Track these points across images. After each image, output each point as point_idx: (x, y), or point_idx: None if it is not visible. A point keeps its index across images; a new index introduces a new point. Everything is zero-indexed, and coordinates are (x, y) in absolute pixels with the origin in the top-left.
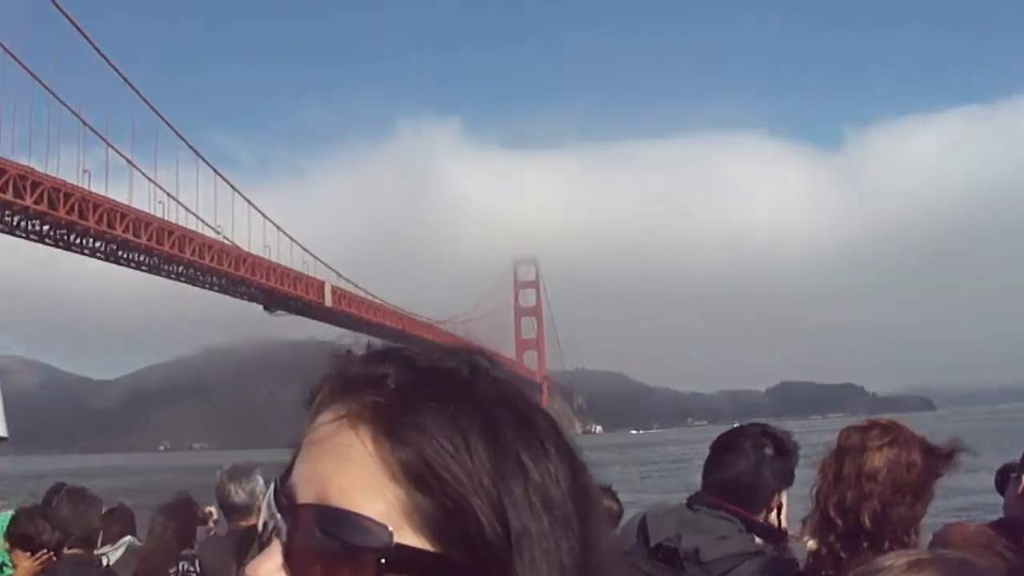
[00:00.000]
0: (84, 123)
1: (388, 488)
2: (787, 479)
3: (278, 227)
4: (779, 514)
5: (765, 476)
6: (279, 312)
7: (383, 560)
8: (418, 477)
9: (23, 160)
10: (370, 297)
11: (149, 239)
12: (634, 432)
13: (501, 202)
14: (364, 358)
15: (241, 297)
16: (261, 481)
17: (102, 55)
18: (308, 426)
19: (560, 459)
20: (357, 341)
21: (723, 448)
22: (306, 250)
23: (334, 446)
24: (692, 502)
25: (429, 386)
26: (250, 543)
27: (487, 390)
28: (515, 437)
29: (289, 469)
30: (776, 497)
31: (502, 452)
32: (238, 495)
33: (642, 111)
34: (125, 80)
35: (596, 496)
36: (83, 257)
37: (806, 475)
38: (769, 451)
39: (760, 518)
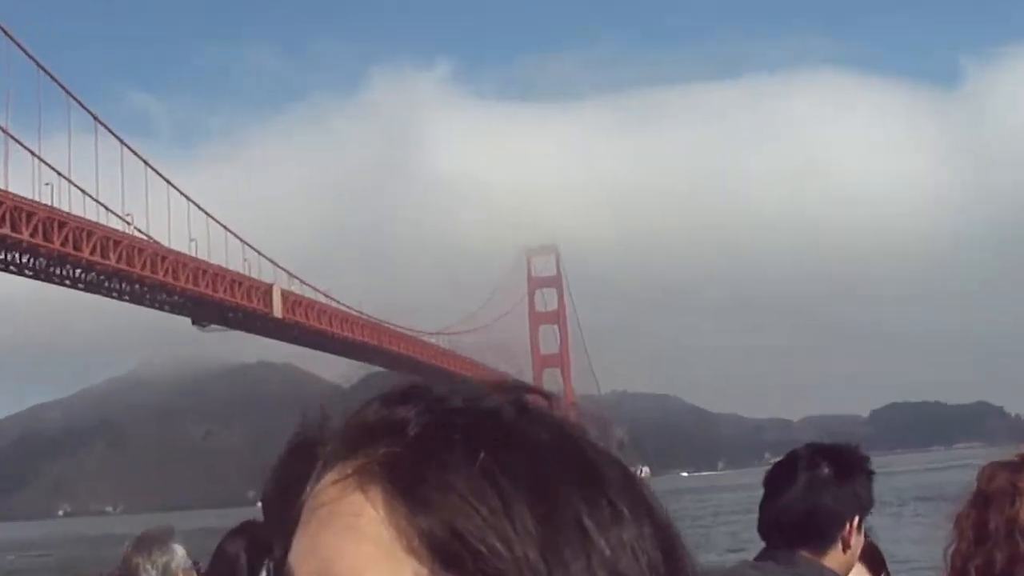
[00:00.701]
0: None
1: (406, 566)
2: (858, 503)
3: (208, 214)
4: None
5: (825, 502)
6: (213, 327)
7: None
8: (444, 551)
9: None
10: (333, 303)
11: (33, 233)
12: (690, 474)
13: (504, 171)
14: (379, 399)
15: (162, 308)
16: (180, 553)
17: None
18: (309, 489)
19: (638, 523)
20: (354, 378)
21: (773, 479)
22: (246, 244)
23: (340, 514)
24: (759, 558)
25: (460, 432)
26: None
27: (538, 435)
28: (574, 496)
29: (285, 548)
30: (848, 527)
31: (556, 516)
32: (148, 573)
33: (678, 52)
34: None
35: (689, 569)
36: None
37: (925, 530)
38: (826, 471)
39: (833, 556)
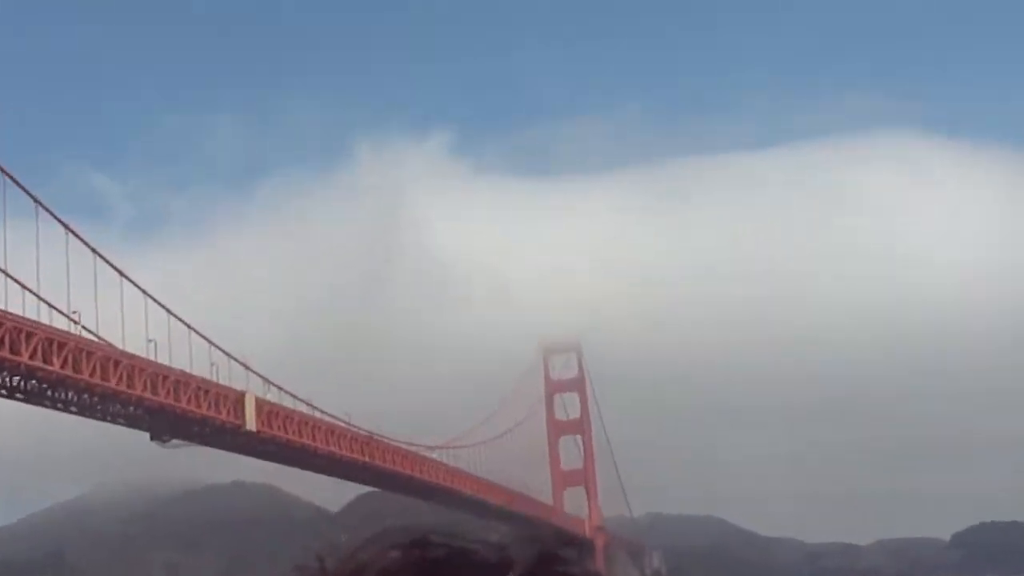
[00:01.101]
0: None
1: None
2: None
3: (169, 311)
4: None
5: None
6: (175, 442)
7: None
8: None
9: None
10: (317, 414)
11: None
12: None
13: (514, 257)
14: (378, 547)
15: (115, 421)
16: None
17: None
18: None
19: None
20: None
21: None
22: (214, 344)
23: None
24: None
25: None
26: None
27: None
28: None
29: None
30: None
31: None
32: None
33: (715, 116)
34: None
35: None
36: None
37: None
38: None
39: None
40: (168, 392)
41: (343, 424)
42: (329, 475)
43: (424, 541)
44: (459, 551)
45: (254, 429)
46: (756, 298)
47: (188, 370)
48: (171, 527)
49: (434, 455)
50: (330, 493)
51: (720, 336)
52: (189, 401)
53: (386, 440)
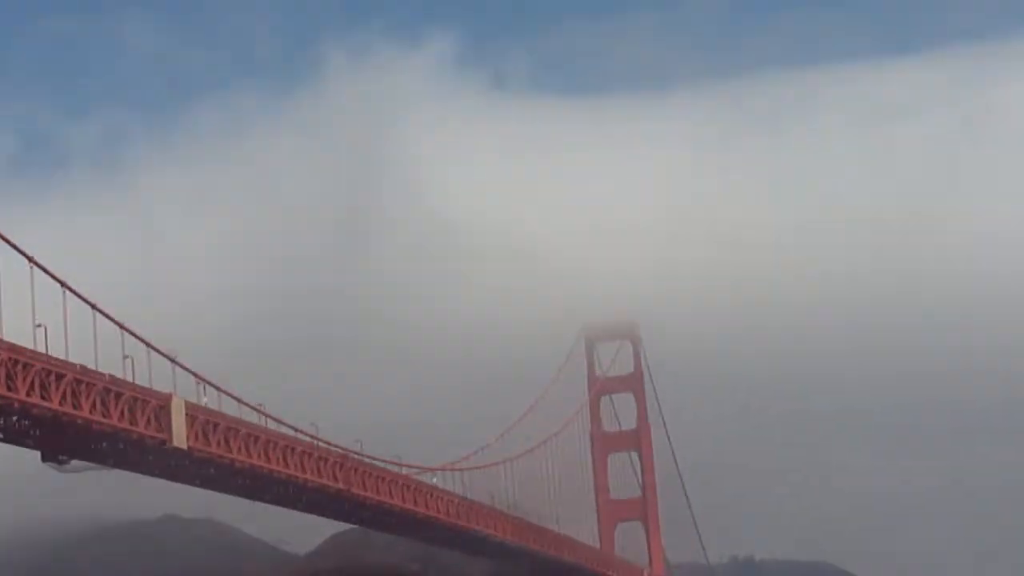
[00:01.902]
0: None
1: None
2: None
3: (64, 284)
4: None
5: None
6: (76, 464)
7: None
8: None
9: None
10: (271, 425)
11: None
12: None
13: (543, 210)
14: None
15: None
16: None
17: None
18: None
19: None
20: None
21: None
22: (128, 331)
23: None
24: None
25: None
26: None
27: None
28: None
29: None
30: None
31: None
32: None
33: (820, 15)
34: None
35: None
36: None
37: None
38: None
39: None
40: (63, 396)
41: (308, 439)
42: (290, 508)
43: None
44: None
45: (184, 446)
46: (889, 263)
47: (92, 366)
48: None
49: (435, 480)
50: (296, 531)
51: (835, 318)
52: (93, 408)
53: (368, 460)
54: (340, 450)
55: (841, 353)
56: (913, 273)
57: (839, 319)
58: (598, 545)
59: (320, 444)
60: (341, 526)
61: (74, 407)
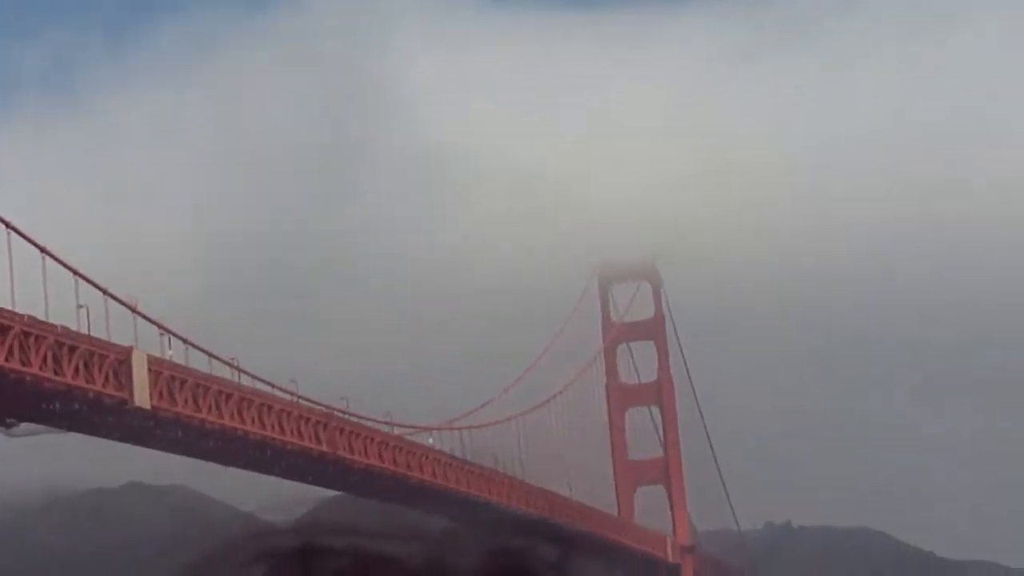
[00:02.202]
0: None
1: None
2: None
3: (11, 226)
4: None
5: None
6: (26, 427)
7: None
8: None
9: None
10: (245, 382)
11: None
12: None
13: (549, 136)
14: None
15: None
16: None
17: None
18: None
19: None
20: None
21: None
22: (83, 278)
23: None
24: None
25: None
26: None
27: None
28: None
29: None
30: None
31: None
32: None
33: None
34: None
35: None
36: None
37: None
38: None
39: None
40: (10, 351)
41: (287, 396)
42: (268, 474)
43: (305, 550)
44: (356, 560)
45: (147, 405)
46: (909, 196)
47: (42, 317)
48: (27, 554)
49: (430, 441)
50: (277, 499)
51: (878, 253)
52: (44, 364)
53: (355, 420)
54: (323, 408)
55: (894, 292)
56: (963, 193)
57: (886, 250)
58: (615, 511)
59: (300, 402)
60: (328, 493)
61: (22, 363)
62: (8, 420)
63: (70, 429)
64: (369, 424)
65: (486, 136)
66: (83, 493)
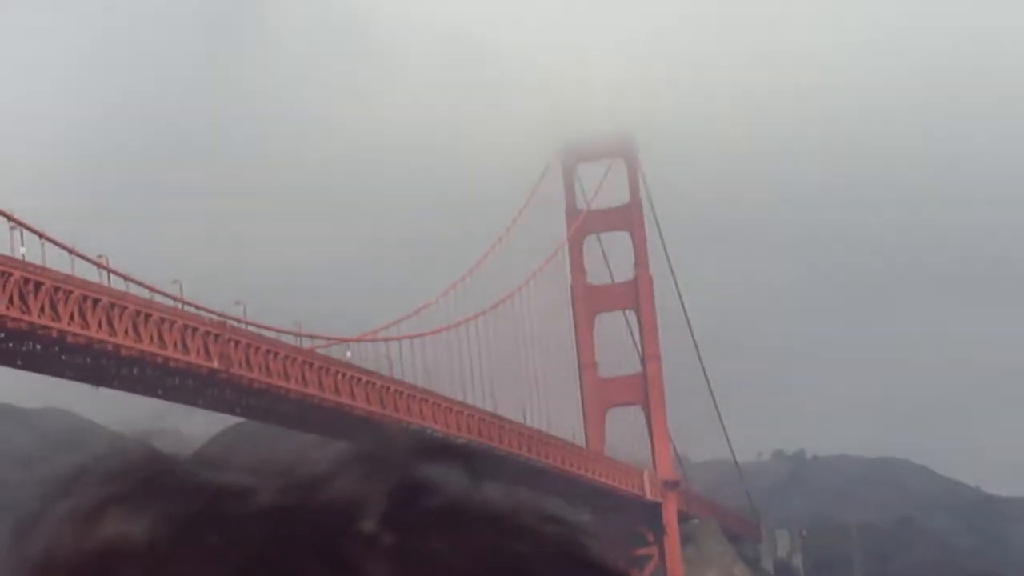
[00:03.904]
0: None
1: None
2: None
3: None
4: None
5: None
6: None
7: None
8: None
9: None
10: (123, 286)
11: None
12: None
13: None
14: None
15: None
16: None
17: None
18: None
19: None
20: None
21: None
22: None
23: None
24: None
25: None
26: None
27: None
28: None
29: None
30: None
31: None
32: None
33: None
34: None
35: None
36: None
37: None
38: None
39: None
40: None
41: (169, 303)
42: (149, 396)
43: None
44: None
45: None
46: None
47: None
48: None
49: (349, 355)
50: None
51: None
52: None
53: (255, 330)
54: (214, 316)
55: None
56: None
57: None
58: (582, 439)
59: (185, 308)
60: (228, 419)
61: None
62: None
63: None
64: (271, 336)
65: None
66: None
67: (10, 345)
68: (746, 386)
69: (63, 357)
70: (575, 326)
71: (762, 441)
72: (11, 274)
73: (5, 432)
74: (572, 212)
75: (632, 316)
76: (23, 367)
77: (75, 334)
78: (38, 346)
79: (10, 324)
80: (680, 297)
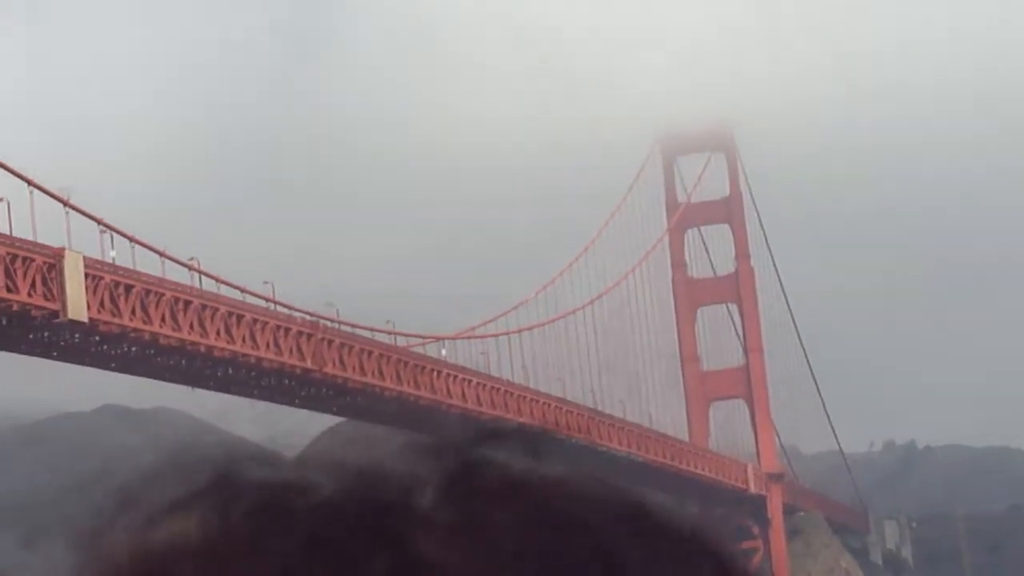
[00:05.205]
0: None
1: None
2: None
3: None
4: None
5: None
6: None
7: None
8: None
9: None
10: (206, 286)
11: None
12: None
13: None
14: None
15: None
16: None
17: None
18: None
19: None
20: None
21: None
22: None
23: None
24: None
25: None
26: None
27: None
28: None
29: None
30: None
31: None
32: None
33: None
34: None
35: None
36: None
37: None
38: None
39: None
40: None
41: (262, 302)
42: (244, 396)
43: (244, 485)
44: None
45: (84, 318)
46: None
47: None
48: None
49: (444, 353)
50: (283, 424)
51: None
52: None
53: (349, 329)
54: (306, 316)
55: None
56: None
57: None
58: (685, 434)
59: (278, 309)
60: (328, 420)
61: None
62: None
63: None
64: (365, 335)
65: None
66: (52, 418)
67: (104, 348)
68: (855, 377)
69: (157, 359)
70: (676, 320)
71: (874, 432)
72: (101, 278)
73: (118, 433)
74: (672, 205)
75: (734, 309)
76: (118, 369)
77: (167, 336)
78: (132, 348)
79: (102, 327)
80: (783, 289)
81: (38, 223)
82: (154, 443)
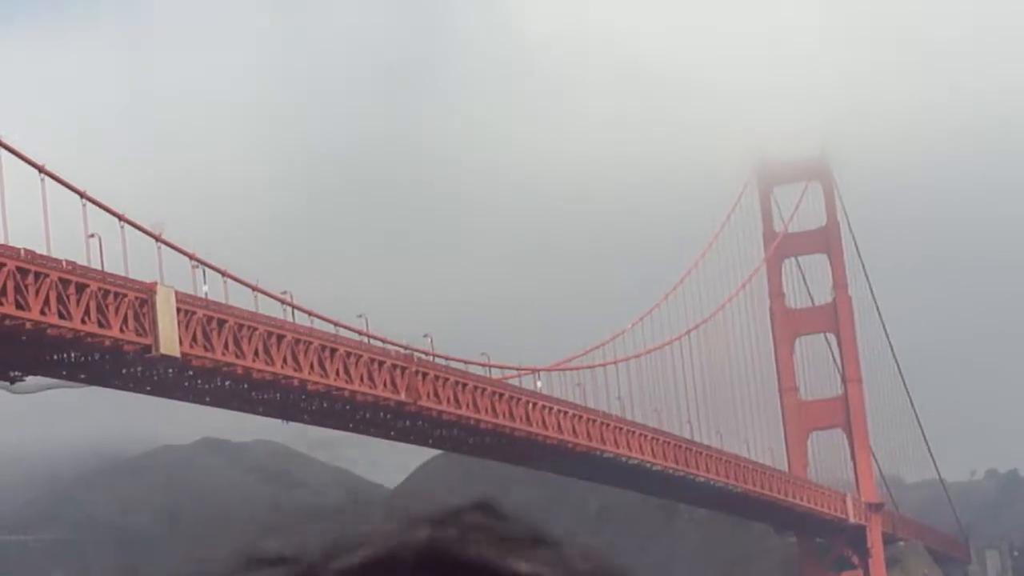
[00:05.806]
0: None
1: None
2: None
3: (8, 147)
4: None
5: None
6: (29, 383)
7: None
8: None
9: None
10: (299, 321)
11: None
12: None
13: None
14: None
15: None
16: None
17: None
18: None
19: None
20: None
21: None
22: (90, 200)
23: None
24: None
25: None
26: None
27: None
28: None
29: None
30: None
31: None
32: None
33: None
34: None
35: None
36: None
37: None
38: None
39: None
40: (4, 291)
41: (355, 335)
42: (337, 429)
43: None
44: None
45: (176, 353)
46: None
47: (42, 251)
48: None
49: (539, 385)
50: (378, 457)
51: None
52: (47, 307)
53: (443, 361)
54: (400, 348)
55: None
56: None
57: None
58: (784, 464)
59: (371, 342)
60: (429, 452)
61: (19, 307)
62: (13, 374)
63: (88, 382)
64: (460, 367)
65: (591, 24)
66: (137, 455)
67: (198, 382)
68: (957, 406)
69: (251, 393)
70: (775, 349)
71: (976, 460)
72: (194, 312)
73: (217, 464)
74: (769, 235)
75: (832, 339)
76: (212, 404)
77: (260, 370)
78: (226, 383)
79: (195, 362)
80: (881, 318)
81: (130, 258)
82: (244, 472)
